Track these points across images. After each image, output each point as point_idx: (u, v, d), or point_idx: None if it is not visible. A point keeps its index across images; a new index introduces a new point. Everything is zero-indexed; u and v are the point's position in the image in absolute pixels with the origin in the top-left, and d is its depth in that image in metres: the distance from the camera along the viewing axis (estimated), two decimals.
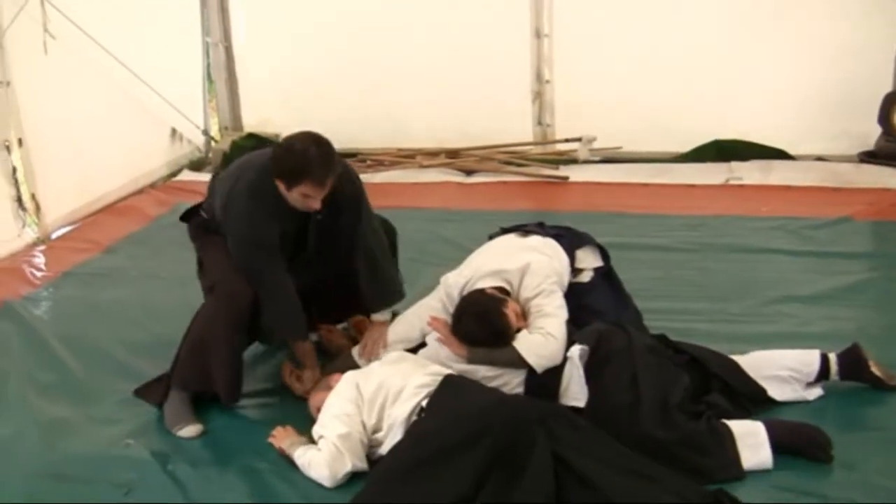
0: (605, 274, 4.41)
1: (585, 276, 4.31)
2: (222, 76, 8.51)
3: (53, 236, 6.52)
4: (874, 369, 3.77)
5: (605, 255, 4.48)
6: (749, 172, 6.99)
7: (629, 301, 4.41)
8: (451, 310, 3.96)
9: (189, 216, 4.32)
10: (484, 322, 3.74)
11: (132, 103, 7.39)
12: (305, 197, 3.76)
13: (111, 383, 4.34)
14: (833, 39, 6.98)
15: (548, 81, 7.73)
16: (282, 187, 3.78)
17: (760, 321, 4.59)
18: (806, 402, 3.77)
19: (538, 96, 7.74)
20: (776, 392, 3.75)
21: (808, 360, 3.79)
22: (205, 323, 3.96)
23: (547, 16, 7.60)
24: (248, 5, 8.36)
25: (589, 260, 4.39)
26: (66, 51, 6.49)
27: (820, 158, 7.19)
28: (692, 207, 6.32)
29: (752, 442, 3.39)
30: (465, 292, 3.97)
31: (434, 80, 7.83)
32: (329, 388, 3.74)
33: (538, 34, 7.64)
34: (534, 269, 3.97)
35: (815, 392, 3.80)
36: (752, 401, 3.71)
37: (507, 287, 3.95)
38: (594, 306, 4.17)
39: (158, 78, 7.52)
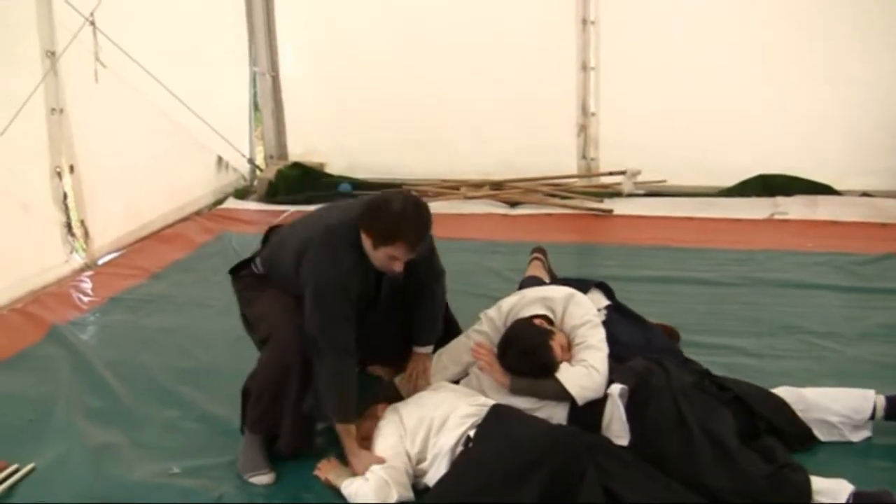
0: (616, 309, 4.48)
1: (601, 316, 4.30)
2: (269, 106, 8.57)
3: (100, 262, 6.58)
4: None
5: (609, 292, 4.57)
6: (794, 207, 6.95)
7: (650, 325, 4.49)
8: (496, 339, 3.96)
9: (238, 269, 4.19)
10: (531, 356, 3.75)
11: (179, 132, 7.49)
12: (392, 259, 3.64)
13: (157, 410, 4.38)
14: (879, 74, 6.96)
15: (593, 114, 7.72)
16: (367, 244, 3.65)
17: (808, 357, 4.56)
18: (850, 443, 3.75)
19: (583, 129, 7.73)
20: (822, 434, 3.73)
21: (860, 405, 3.74)
22: (269, 372, 3.80)
23: (594, 49, 7.58)
24: (296, 36, 8.41)
25: (597, 301, 4.45)
26: (117, 79, 6.56)
27: (865, 194, 7.14)
28: (738, 242, 6.29)
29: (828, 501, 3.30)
30: (510, 320, 3.98)
31: (479, 111, 7.86)
32: (375, 416, 3.75)
33: (584, 67, 7.63)
34: (578, 300, 4.01)
35: (862, 434, 3.76)
36: (798, 440, 3.68)
37: (551, 315, 3.96)
38: (620, 337, 4.18)
39: (205, 107, 7.61)
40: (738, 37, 7.27)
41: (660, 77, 7.44)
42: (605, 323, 4.21)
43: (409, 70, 7.94)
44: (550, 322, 3.95)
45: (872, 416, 3.73)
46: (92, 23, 6.24)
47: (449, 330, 4.26)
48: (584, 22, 7.52)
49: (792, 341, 4.73)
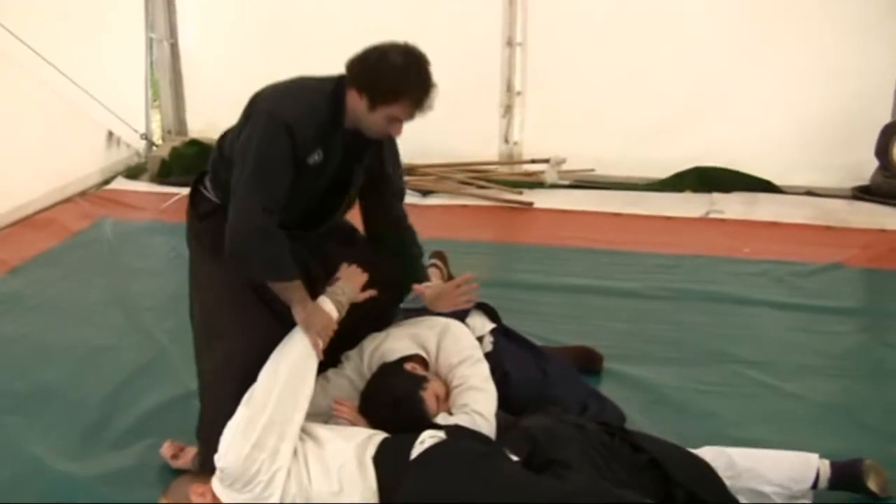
0: (504, 333, 3.90)
1: (487, 345, 3.76)
2: (166, 76, 7.83)
3: None
4: (870, 482, 3.12)
5: (491, 311, 3.98)
6: (732, 205, 6.38)
7: (545, 354, 3.91)
8: (360, 384, 3.32)
9: (195, 194, 3.41)
10: (397, 411, 3.10)
11: (61, 103, 6.72)
12: (391, 121, 3.13)
13: None
14: (828, 63, 6.41)
15: (519, 93, 7.09)
16: (360, 105, 3.10)
17: (738, 394, 3.95)
18: None
19: (508, 110, 7.10)
20: None
21: (800, 473, 3.10)
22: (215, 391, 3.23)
23: (521, 23, 6.97)
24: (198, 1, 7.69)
25: (481, 325, 3.87)
26: None
27: (810, 192, 6.60)
28: (668, 244, 5.69)
29: None
30: (375, 363, 3.33)
31: None
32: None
33: (510, 42, 7.01)
34: (455, 332, 3.37)
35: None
36: None
37: (424, 354, 3.32)
38: (510, 371, 3.62)
39: (95, 77, 6.88)
40: (682, 18, 6.69)
41: (593, 56, 6.85)
42: (491, 354, 3.63)
43: (316, 38, 7.17)
44: (425, 364, 3.30)
45: (815, 486, 3.11)
46: None
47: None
48: None
49: (720, 372, 4.12)
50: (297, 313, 3.13)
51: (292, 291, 3.13)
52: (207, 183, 3.37)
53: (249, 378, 3.03)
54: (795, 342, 4.41)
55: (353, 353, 3.43)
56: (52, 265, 5.59)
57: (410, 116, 3.14)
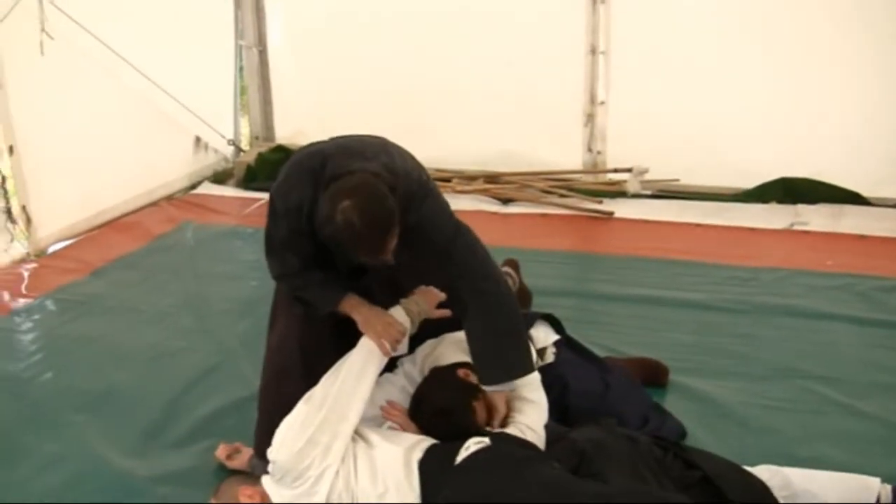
0: (568, 344, 3.85)
1: (549, 356, 3.73)
2: (255, 83, 7.93)
3: (49, 252, 6.02)
4: None
5: (555, 322, 3.94)
6: (817, 217, 6.17)
7: (608, 366, 3.84)
8: (412, 390, 3.30)
9: None
10: (446, 420, 3.07)
11: (151, 109, 6.86)
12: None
13: (42, 443, 3.75)
14: None
15: (602, 103, 7.00)
16: None
17: (804, 410, 3.81)
18: None
19: (590, 119, 7.02)
20: None
21: (859, 498, 2.99)
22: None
23: (604, 31, 6.85)
24: (286, 7, 7.77)
25: (545, 336, 3.82)
26: (68, 51, 5.95)
27: None
28: (747, 256, 5.54)
29: None
30: (427, 367, 3.32)
31: (480, 96, 7.15)
32: None
33: (594, 51, 6.91)
34: None
35: None
36: None
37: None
38: (571, 383, 3.59)
39: (184, 83, 7.01)
40: (768, 23, 6.46)
41: (677, 64, 6.69)
42: (553, 365, 3.63)
43: (407, 49, 7.24)
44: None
45: None
46: None
47: None
48: (595, 1, 6.78)
49: (788, 388, 3.98)
50: (356, 317, 3.16)
51: (346, 307, 3.18)
52: None
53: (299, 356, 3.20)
54: (872, 359, 4.23)
55: (406, 359, 3.43)
56: (133, 268, 5.71)
57: (380, 258, 2.94)
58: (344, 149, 3.08)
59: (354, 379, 3.06)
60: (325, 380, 3.07)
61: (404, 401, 3.28)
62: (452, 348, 3.33)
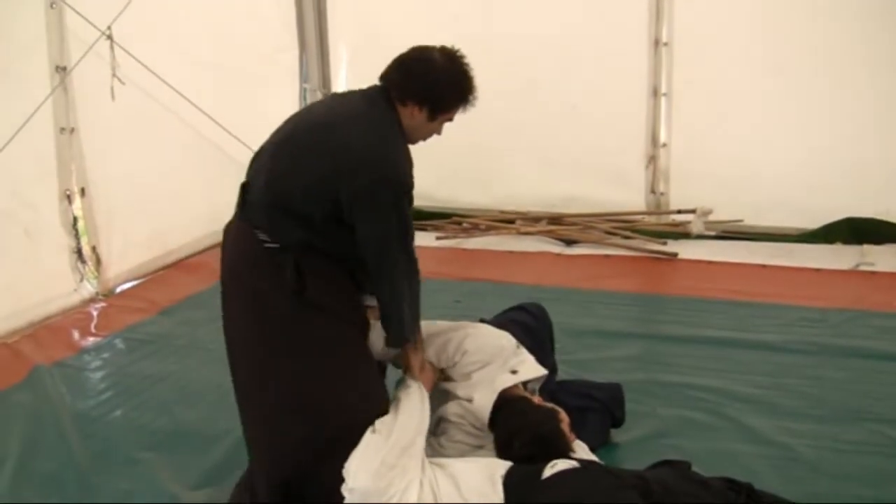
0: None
1: None
2: None
3: (118, 291, 6.12)
4: None
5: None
6: (883, 258, 6.12)
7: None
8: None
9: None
10: (545, 446, 3.08)
11: (216, 152, 6.95)
12: (442, 126, 3.19)
13: (109, 480, 3.79)
14: None
15: (664, 145, 7.00)
16: (419, 117, 3.09)
17: (876, 453, 3.74)
18: None
19: (652, 161, 7.01)
20: None
21: None
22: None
23: (666, 73, 6.88)
24: (350, 51, 7.88)
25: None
26: (137, 96, 6.07)
27: None
28: (814, 297, 5.49)
29: None
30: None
31: (542, 138, 7.24)
32: None
33: (655, 93, 6.94)
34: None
35: None
36: None
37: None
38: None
39: (249, 125, 7.06)
40: (832, 63, 6.45)
41: (738, 104, 6.73)
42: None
43: None
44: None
45: None
46: (109, 37, 5.73)
47: None
48: (657, 43, 6.82)
49: (859, 431, 3.91)
50: (417, 356, 3.34)
51: (418, 343, 3.33)
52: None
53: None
54: None
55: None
56: (200, 307, 5.77)
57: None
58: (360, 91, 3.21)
59: (412, 408, 3.14)
60: (387, 413, 3.13)
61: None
62: (500, 373, 3.35)
